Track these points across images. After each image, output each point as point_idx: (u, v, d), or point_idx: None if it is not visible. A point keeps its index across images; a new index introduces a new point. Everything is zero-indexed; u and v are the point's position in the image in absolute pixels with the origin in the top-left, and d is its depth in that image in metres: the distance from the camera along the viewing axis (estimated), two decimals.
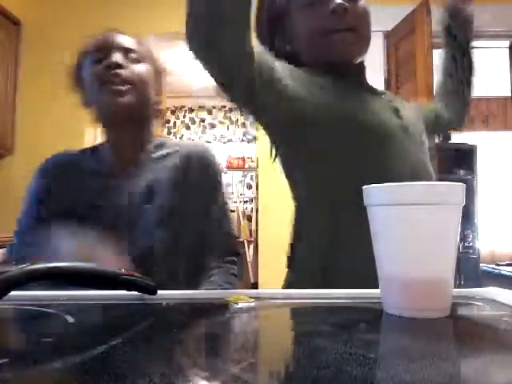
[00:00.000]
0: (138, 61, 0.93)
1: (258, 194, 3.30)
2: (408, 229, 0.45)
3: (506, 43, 2.87)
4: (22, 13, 2.78)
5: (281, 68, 0.73)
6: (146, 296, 0.54)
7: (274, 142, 0.83)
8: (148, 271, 0.73)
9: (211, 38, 0.66)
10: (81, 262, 0.50)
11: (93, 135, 2.88)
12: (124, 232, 0.88)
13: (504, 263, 4.00)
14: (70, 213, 0.88)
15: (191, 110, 5.18)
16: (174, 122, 5.18)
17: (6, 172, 2.75)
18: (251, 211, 4.81)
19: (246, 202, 4.93)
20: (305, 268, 0.79)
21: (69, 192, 0.93)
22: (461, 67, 1.03)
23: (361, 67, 0.86)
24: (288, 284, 0.82)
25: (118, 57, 0.90)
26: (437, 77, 1.10)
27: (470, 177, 4.07)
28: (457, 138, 4.35)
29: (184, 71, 4.17)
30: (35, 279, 0.45)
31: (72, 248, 0.77)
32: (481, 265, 4.01)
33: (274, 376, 0.29)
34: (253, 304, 0.51)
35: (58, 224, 0.83)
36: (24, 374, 0.29)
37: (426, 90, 2.21)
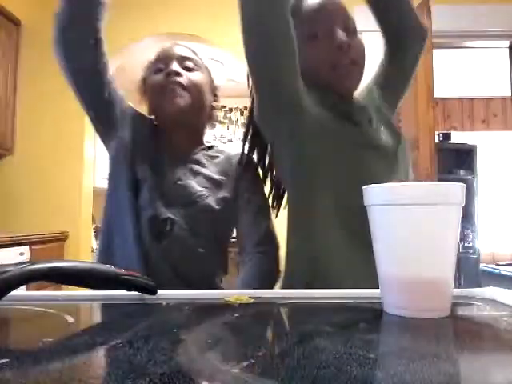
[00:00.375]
0: (193, 69, 1.02)
1: None
2: (408, 229, 0.45)
3: (506, 43, 2.87)
4: (22, 13, 2.78)
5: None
6: (146, 296, 0.54)
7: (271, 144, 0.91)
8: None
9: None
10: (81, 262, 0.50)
11: (92, 135, 2.88)
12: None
13: (504, 263, 4.00)
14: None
15: None
16: None
17: (6, 172, 2.75)
18: None
19: None
20: (293, 279, 0.83)
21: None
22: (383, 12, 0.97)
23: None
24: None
25: (175, 65, 0.99)
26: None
27: (470, 177, 4.08)
28: (457, 137, 4.35)
29: None
30: (35, 279, 0.45)
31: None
32: (481, 265, 4.01)
33: (274, 376, 0.29)
34: (253, 304, 0.51)
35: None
36: (24, 374, 0.29)
37: (426, 89, 2.21)
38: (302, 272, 0.81)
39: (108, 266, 0.53)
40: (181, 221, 0.92)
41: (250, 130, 1.02)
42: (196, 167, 1.01)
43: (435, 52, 2.26)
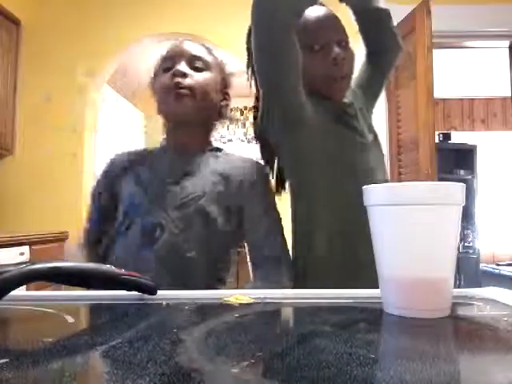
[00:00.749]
0: (203, 69, 1.00)
1: None
2: (408, 229, 0.45)
3: (506, 43, 2.87)
4: (22, 13, 2.78)
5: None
6: (146, 296, 0.54)
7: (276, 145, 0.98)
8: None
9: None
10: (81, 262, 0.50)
11: (92, 135, 2.88)
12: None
13: (504, 263, 4.00)
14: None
15: None
16: None
17: (6, 172, 2.76)
18: None
19: None
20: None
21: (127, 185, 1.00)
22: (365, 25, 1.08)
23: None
24: None
25: (183, 66, 0.97)
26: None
27: (469, 177, 4.08)
28: (457, 137, 4.35)
29: None
30: (35, 279, 0.45)
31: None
32: (481, 265, 4.01)
33: (274, 376, 0.29)
34: (253, 304, 0.51)
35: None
36: (24, 374, 0.29)
37: (426, 89, 2.21)
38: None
39: (108, 266, 0.53)
40: (172, 224, 0.90)
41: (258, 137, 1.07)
42: (199, 168, 0.99)
43: (435, 52, 2.26)
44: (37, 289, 1.21)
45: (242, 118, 5.10)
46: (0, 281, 0.42)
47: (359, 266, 0.81)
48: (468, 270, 3.84)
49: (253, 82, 1.01)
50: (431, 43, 2.22)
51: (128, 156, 1.06)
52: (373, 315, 0.47)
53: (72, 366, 0.31)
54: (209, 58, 1.02)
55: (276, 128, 0.92)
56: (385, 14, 1.05)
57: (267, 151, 1.05)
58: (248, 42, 0.97)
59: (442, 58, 3.40)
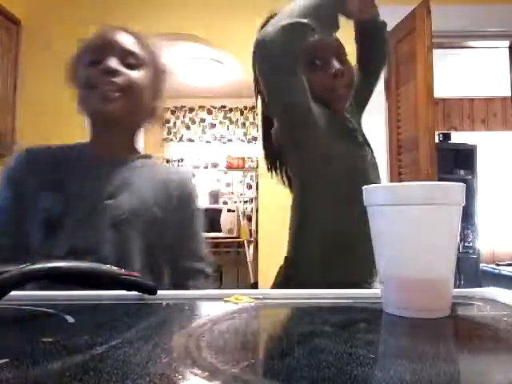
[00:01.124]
0: (136, 66, 0.89)
1: (257, 194, 3.30)
2: (408, 229, 0.45)
3: (506, 43, 2.87)
4: (22, 13, 2.78)
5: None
6: (146, 296, 0.54)
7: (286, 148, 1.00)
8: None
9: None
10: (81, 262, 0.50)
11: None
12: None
13: (504, 263, 4.01)
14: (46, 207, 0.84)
15: (191, 110, 5.18)
16: (174, 122, 5.17)
17: None
18: (251, 211, 4.80)
19: (246, 202, 4.92)
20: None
21: (45, 184, 0.87)
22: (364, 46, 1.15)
23: None
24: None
25: (113, 62, 0.86)
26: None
27: (470, 177, 4.08)
28: (457, 138, 4.35)
29: (184, 71, 4.17)
30: (35, 279, 0.45)
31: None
32: (481, 265, 4.01)
33: (274, 376, 0.29)
34: (253, 304, 0.51)
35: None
36: (24, 374, 0.29)
37: (426, 89, 2.21)
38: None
39: (108, 266, 0.53)
40: (107, 247, 0.81)
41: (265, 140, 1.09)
42: (134, 178, 0.90)
43: (435, 52, 2.26)
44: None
45: (241, 118, 5.11)
46: (0, 281, 0.42)
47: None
48: (468, 270, 3.84)
49: (259, 101, 1.05)
50: (431, 43, 2.22)
51: (45, 155, 0.90)
52: (373, 315, 0.47)
53: (72, 365, 0.31)
54: (143, 54, 0.92)
55: (290, 143, 0.95)
56: (383, 25, 1.11)
57: (272, 158, 1.09)
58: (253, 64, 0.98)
59: (442, 58, 3.39)
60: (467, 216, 3.94)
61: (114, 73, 0.85)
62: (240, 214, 4.52)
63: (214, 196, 4.90)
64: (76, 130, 2.78)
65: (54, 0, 2.85)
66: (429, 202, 0.44)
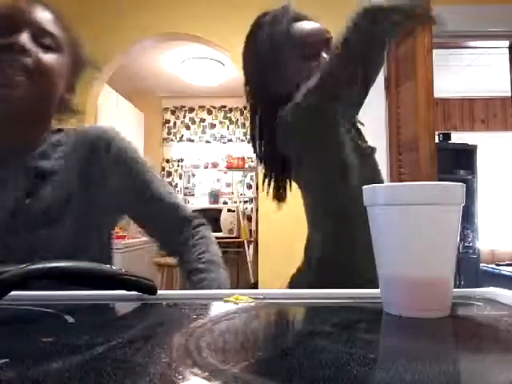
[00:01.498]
0: (51, 48, 0.75)
1: (257, 194, 3.30)
2: (408, 229, 0.45)
3: (506, 43, 2.87)
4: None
5: None
6: (146, 296, 0.54)
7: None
8: None
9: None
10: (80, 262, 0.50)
11: None
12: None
13: (504, 263, 4.01)
14: None
15: (191, 110, 5.18)
16: (174, 122, 5.18)
17: None
18: (251, 211, 4.80)
19: (246, 202, 4.92)
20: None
21: None
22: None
23: None
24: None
25: (25, 38, 0.71)
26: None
27: (470, 177, 4.08)
28: (457, 138, 4.35)
29: (184, 71, 4.17)
30: (35, 279, 0.45)
31: None
32: (481, 265, 4.01)
33: (274, 376, 0.29)
34: (253, 304, 0.51)
35: None
36: (24, 374, 0.29)
37: (426, 89, 2.21)
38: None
39: (108, 265, 0.53)
40: (43, 248, 0.73)
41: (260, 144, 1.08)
42: (44, 165, 0.77)
43: (435, 52, 2.26)
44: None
45: (241, 118, 5.11)
46: (0, 281, 0.42)
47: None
48: (468, 270, 3.84)
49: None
50: (431, 43, 2.22)
51: None
52: (373, 315, 0.47)
53: (72, 366, 0.31)
54: (62, 36, 0.78)
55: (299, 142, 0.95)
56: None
57: (274, 165, 1.07)
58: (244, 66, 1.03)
59: (442, 58, 3.39)
60: (467, 216, 3.95)
61: (24, 52, 0.70)
62: (240, 213, 4.52)
63: (214, 196, 4.91)
64: None
65: (54, 1, 2.85)
66: (429, 201, 0.44)
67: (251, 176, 5.02)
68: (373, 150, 1.01)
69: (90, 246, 0.80)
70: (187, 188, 5.06)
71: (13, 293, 0.43)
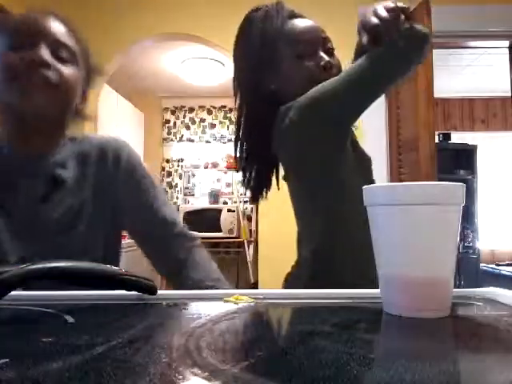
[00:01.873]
0: (68, 60, 0.78)
1: None
2: (408, 229, 0.45)
3: (506, 43, 2.87)
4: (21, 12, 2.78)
5: None
6: (146, 296, 0.54)
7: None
8: None
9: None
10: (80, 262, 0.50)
11: (93, 132, 2.87)
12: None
13: (504, 263, 4.01)
14: None
15: (191, 110, 5.18)
16: (174, 122, 5.18)
17: None
18: (251, 211, 4.80)
19: (245, 202, 4.92)
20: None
21: None
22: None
23: None
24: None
25: (45, 52, 0.74)
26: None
27: (470, 177, 4.08)
28: (457, 138, 4.35)
29: (184, 71, 4.17)
30: (35, 279, 0.45)
31: None
32: (481, 265, 4.01)
33: (274, 376, 0.29)
34: (253, 304, 0.51)
35: None
36: (24, 374, 0.29)
37: (426, 90, 2.21)
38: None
39: (108, 265, 0.53)
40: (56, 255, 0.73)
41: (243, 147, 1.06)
42: (60, 173, 0.80)
43: (435, 52, 2.26)
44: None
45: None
46: (0, 281, 0.42)
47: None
48: (468, 270, 3.84)
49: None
50: (431, 43, 2.22)
51: None
52: (373, 315, 0.47)
53: (72, 365, 0.31)
54: (76, 48, 0.81)
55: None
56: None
57: (261, 162, 1.06)
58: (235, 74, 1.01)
59: (442, 58, 3.40)
60: (467, 216, 3.95)
61: (45, 65, 0.73)
62: (240, 213, 4.52)
63: (214, 196, 4.91)
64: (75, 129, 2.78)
65: (54, 1, 2.85)
66: (429, 201, 0.44)
67: None
68: (365, 155, 1.01)
69: (99, 251, 0.82)
70: (187, 188, 5.06)
71: (13, 293, 0.43)
